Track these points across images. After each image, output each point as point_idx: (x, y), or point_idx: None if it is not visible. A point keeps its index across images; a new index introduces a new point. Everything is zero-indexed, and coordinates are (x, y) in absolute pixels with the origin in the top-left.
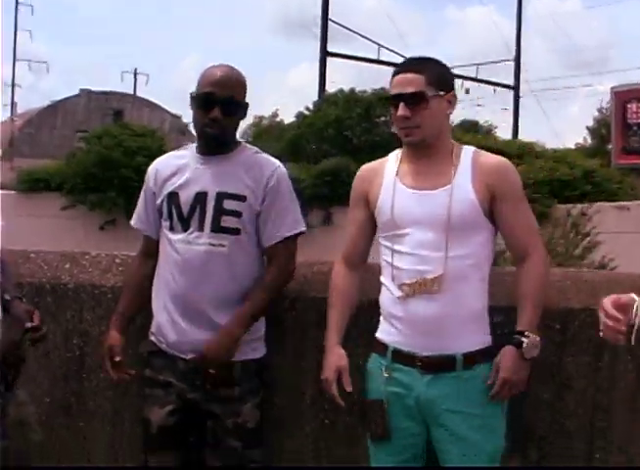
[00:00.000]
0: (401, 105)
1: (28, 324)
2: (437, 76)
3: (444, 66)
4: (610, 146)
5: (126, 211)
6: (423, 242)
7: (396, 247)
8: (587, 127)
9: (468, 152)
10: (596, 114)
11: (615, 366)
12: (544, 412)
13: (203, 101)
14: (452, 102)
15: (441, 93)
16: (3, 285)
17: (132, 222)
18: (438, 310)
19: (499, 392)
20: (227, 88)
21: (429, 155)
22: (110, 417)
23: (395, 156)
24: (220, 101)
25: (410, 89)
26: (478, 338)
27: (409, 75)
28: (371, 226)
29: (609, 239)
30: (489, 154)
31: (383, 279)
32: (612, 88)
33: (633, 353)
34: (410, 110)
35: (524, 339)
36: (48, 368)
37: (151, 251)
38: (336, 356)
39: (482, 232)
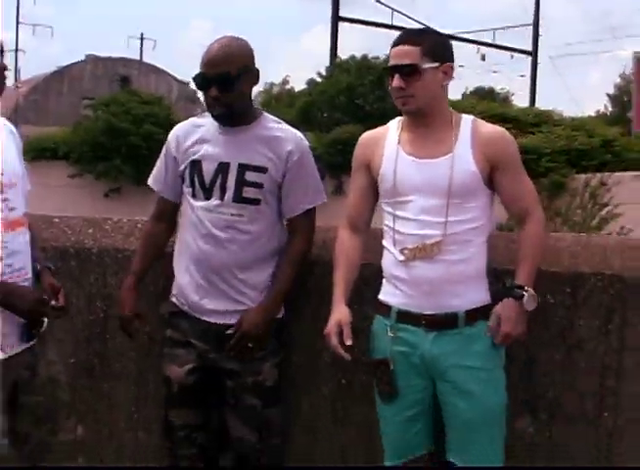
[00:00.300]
0: (396, 76)
1: (53, 302)
2: (433, 48)
3: (442, 37)
4: (630, 114)
5: (133, 179)
6: (425, 208)
7: (399, 213)
8: (608, 95)
9: (467, 121)
10: (618, 80)
11: (624, 329)
12: (555, 373)
13: (199, 82)
14: (448, 73)
15: (436, 65)
16: (33, 253)
17: (149, 182)
18: (440, 272)
19: (502, 342)
20: (221, 65)
21: (426, 124)
22: (134, 378)
23: (396, 124)
24: (214, 80)
25: (405, 61)
26: (478, 296)
27: (405, 48)
28: (373, 193)
29: (628, 210)
30: (488, 124)
31: (385, 243)
32: (634, 53)
33: None
34: (405, 81)
35: (524, 292)
36: (72, 331)
37: (164, 213)
38: (338, 312)
39: (482, 198)
